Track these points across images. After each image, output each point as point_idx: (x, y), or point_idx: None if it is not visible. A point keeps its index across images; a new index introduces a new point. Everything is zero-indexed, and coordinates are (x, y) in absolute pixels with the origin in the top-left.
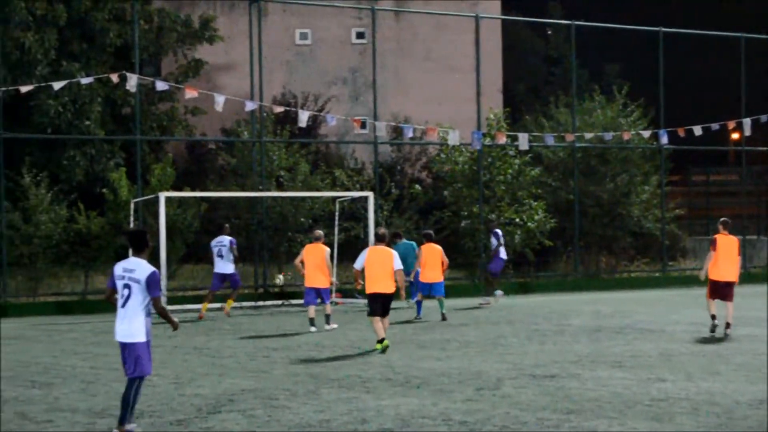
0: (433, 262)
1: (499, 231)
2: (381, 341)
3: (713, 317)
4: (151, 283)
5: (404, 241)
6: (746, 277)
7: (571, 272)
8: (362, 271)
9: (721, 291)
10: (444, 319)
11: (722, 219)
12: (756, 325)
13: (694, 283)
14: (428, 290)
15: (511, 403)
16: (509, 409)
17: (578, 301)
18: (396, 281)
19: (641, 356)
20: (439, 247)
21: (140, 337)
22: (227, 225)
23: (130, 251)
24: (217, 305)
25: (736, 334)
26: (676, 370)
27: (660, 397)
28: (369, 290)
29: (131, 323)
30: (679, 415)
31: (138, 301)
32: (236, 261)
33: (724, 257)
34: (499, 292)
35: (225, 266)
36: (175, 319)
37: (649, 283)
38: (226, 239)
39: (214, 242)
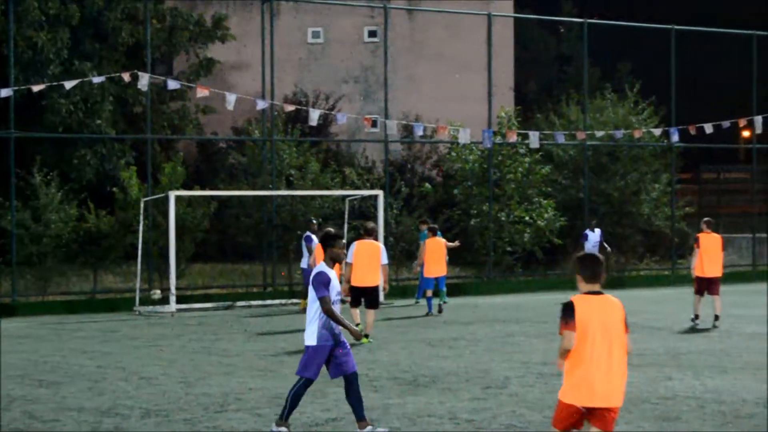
0: (438, 256)
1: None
2: (366, 336)
3: (696, 316)
4: (314, 283)
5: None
6: (755, 276)
7: None
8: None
9: (706, 287)
10: (440, 311)
11: (705, 218)
12: (763, 323)
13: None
14: (434, 285)
15: (518, 401)
16: (516, 408)
17: None
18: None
19: (649, 354)
20: (443, 241)
21: (309, 341)
22: (313, 221)
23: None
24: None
25: (743, 332)
26: (683, 368)
27: (667, 395)
28: (354, 283)
29: (307, 326)
30: (686, 413)
31: (313, 305)
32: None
33: (708, 255)
34: None
35: (303, 262)
36: (352, 326)
37: (658, 281)
38: (309, 235)
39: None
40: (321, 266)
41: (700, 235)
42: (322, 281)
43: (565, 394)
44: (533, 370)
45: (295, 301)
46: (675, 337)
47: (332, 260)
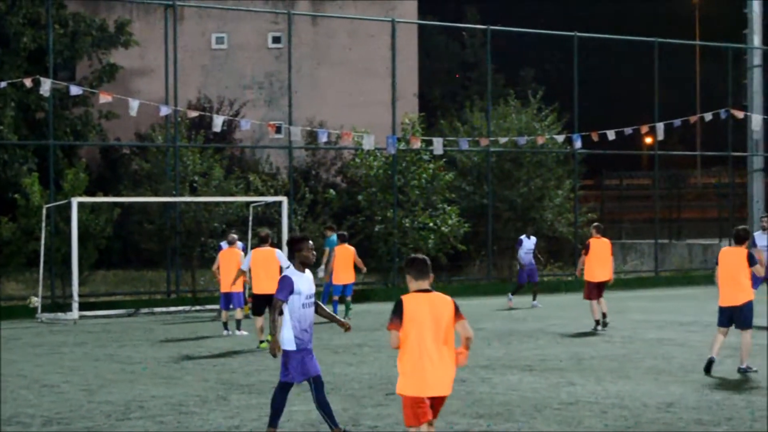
0: (347, 263)
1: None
2: (262, 342)
3: (604, 315)
4: (278, 285)
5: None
6: (657, 281)
7: (485, 276)
8: (249, 271)
9: (596, 291)
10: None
11: (595, 224)
12: (666, 329)
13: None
14: (341, 291)
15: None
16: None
17: (491, 306)
18: None
19: (552, 360)
20: (352, 249)
21: (285, 345)
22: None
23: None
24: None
25: (646, 338)
26: (585, 374)
27: (569, 400)
28: (255, 290)
29: (283, 330)
30: (588, 419)
31: (285, 309)
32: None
33: (598, 259)
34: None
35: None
36: (277, 339)
37: (561, 287)
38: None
39: None
40: (289, 270)
41: (591, 240)
42: (284, 285)
43: (403, 388)
44: None
45: (198, 307)
46: (577, 343)
47: (301, 264)
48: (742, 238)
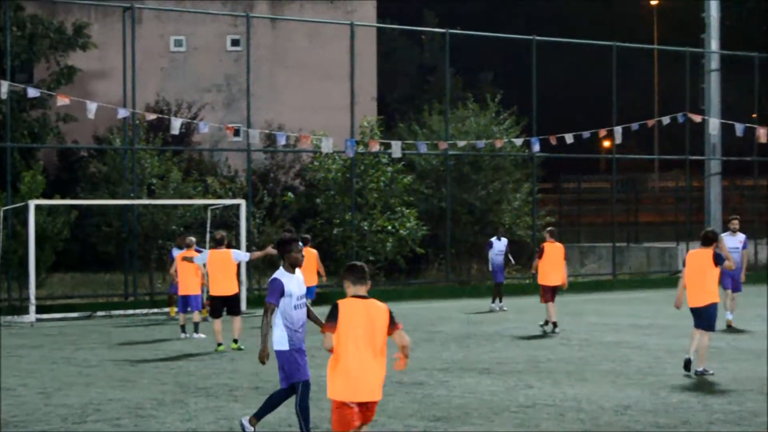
0: (309, 266)
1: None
2: (220, 345)
3: (554, 324)
4: (268, 288)
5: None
6: (615, 285)
7: (443, 279)
8: (206, 275)
9: (550, 294)
10: None
11: (549, 228)
12: (623, 332)
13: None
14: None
15: (378, 410)
16: (377, 417)
17: (449, 308)
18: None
19: (509, 363)
20: (315, 252)
21: (278, 346)
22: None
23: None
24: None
25: (603, 341)
26: (543, 377)
27: (527, 403)
28: (212, 292)
29: (274, 330)
30: (545, 421)
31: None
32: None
33: (551, 263)
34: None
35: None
36: (266, 345)
37: (519, 290)
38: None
39: None
40: (279, 272)
41: (545, 244)
42: (274, 288)
43: (333, 392)
44: (393, 378)
45: (155, 310)
46: (535, 346)
47: (291, 265)
48: (710, 239)
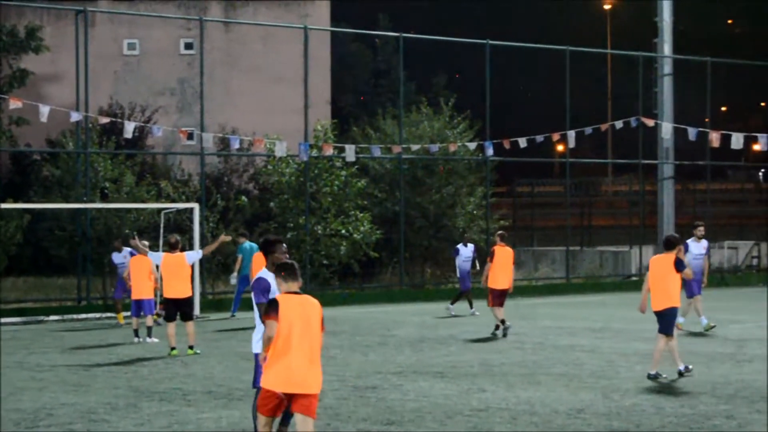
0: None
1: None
2: (174, 348)
3: (503, 322)
4: (254, 289)
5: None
6: (569, 288)
7: (397, 283)
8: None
9: (499, 298)
10: None
11: (499, 232)
12: (577, 335)
13: (517, 294)
14: None
15: (332, 414)
16: (330, 421)
17: (403, 312)
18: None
19: (463, 366)
20: None
21: (257, 348)
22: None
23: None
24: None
25: (557, 344)
26: (497, 380)
27: (480, 407)
28: (166, 295)
29: (254, 333)
30: (499, 425)
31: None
32: None
33: (501, 267)
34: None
35: None
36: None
37: (473, 294)
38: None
39: None
40: (263, 272)
41: (495, 248)
42: (261, 288)
43: (267, 381)
44: (348, 383)
45: (109, 314)
46: (488, 349)
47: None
48: (672, 244)
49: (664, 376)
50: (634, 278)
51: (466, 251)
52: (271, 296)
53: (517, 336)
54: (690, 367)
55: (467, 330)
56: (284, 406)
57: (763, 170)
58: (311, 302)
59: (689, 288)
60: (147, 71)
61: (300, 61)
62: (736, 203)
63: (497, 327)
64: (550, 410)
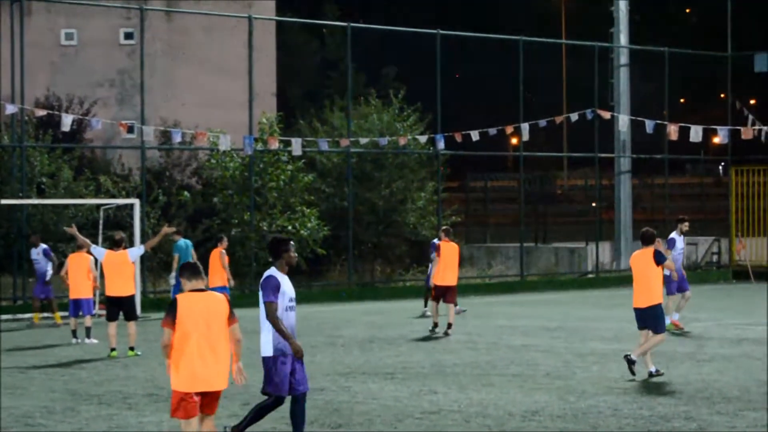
0: (214, 267)
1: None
2: (114, 350)
3: (435, 324)
4: (263, 287)
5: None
6: (523, 285)
7: (345, 281)
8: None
9: (443, 294)
10: None
11: (444, 227)
12: (531, 335)
13: (470, 292)
14: None
15: (277, 417)
16: (275, 424)
17: (352, 311)
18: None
19: (414, 367)
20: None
21: (265, 351)
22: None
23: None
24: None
25: (511, 344)
26: (448, 382)
27: (431, 409)
28: (108, 293)
29: (261, 335)
30: (451, 428)
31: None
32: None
33: (446, 263)
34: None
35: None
36: (294, 340)
37: (423, 293)
38: None
39: None
40: (272, 270)
41: (440, 244)
42: (271, 285)
43: (176, 384)
44: None
45: (46, 314)
46: (440, 350)
47: (287, 265)
48: (648, 238)
49: (662, 372)
50: (590, 275)
51: None
52: (281, 296)
53: (470, 336)
54: (661, 371)
55: (417, 330)
56: (197, 406)
57: (722, 164)
58: (215, 298)
59: (680, 283)
60: (85, 62)
61: (245, 51)
62: (695, 197)
63: (436, 325)
64: (503, 412)
